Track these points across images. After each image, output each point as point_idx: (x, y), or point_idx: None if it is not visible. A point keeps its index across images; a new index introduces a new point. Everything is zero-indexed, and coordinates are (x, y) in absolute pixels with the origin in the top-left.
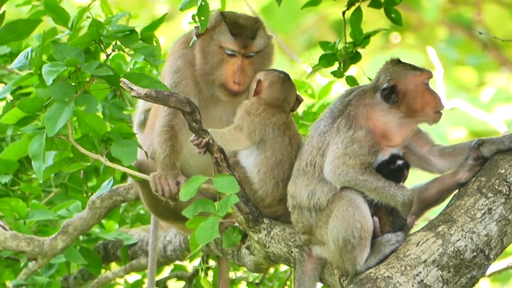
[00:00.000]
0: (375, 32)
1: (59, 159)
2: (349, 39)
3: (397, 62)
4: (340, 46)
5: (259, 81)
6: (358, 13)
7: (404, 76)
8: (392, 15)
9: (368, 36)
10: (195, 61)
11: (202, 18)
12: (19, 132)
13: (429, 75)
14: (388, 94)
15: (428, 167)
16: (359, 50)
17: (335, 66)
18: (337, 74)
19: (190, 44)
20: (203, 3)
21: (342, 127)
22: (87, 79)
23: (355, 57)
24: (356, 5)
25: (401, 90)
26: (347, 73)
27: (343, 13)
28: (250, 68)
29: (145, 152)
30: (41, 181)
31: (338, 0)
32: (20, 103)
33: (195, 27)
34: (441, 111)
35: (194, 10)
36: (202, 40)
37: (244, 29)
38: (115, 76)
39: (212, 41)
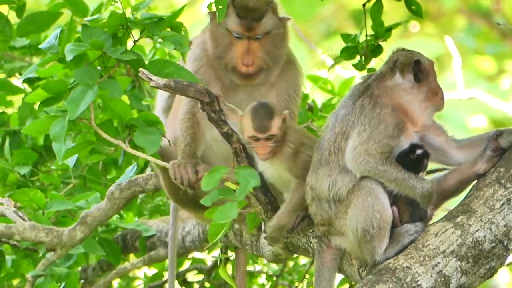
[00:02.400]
0: (397, 25)
1: (81, 141)
2: (369, 31)
3: (407, 49)
4: (361, 38)
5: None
6: (378, 5)
7: (422, 58)
8: (413, 7)
9: (390, 29)
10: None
11: (220, 7)
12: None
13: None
14: (416, 71)
15: (446, 159)
16: (381, 42)
17: (356, 59)
18: (358, 67)
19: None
20: None
21: (366, 104)
22: (113, 65)
23: (376, 50)
24: None
25: (424, 68)
26: (368, 66)
27: (364, 5)
28: (260, 50)
29: (168, 140)
30: (60, 163)
31: None
32: (45, 84)
33: (208, 12)
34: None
35: None
36: (212, 24)
37: (251, 12)
38: (140, 62)
39: (220, 24)
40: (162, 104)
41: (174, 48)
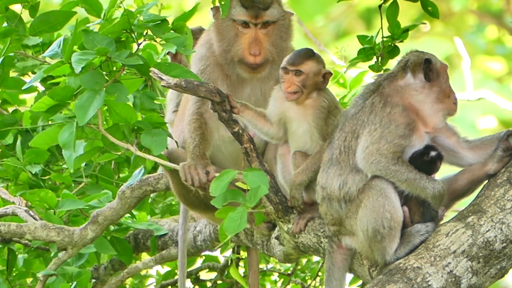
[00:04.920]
0: (413, 26)
1: (90, 148)
2: (385, 32)
3: (420, 51)
4: (377, 39)
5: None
6: (394, 6)
7: (434, 58)
8: (429, 8)
9: (406, 30)
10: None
11: (223, 3)
12: (50, 123)
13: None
14: (427, 70)
15: (457, 160)
16: (397, 43)
17: (372, 60)
18: (375, 68)
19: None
20: None
21: (377, 103)
22: (118, 69)
23: (393, 51)
24: None
25: (435, 68)
26: (385, 67)
27: (380, 6)
28: (266, 40)
29: (176, 142)
30: (71, 170)
31: None
32: (51, 92)
33: (211, 8)
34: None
35: None
36: (216, 19)
37: (256, 1)
38: (145, 66)
39: (225, 17)
40: (168, 117)
41: (178, 50)
